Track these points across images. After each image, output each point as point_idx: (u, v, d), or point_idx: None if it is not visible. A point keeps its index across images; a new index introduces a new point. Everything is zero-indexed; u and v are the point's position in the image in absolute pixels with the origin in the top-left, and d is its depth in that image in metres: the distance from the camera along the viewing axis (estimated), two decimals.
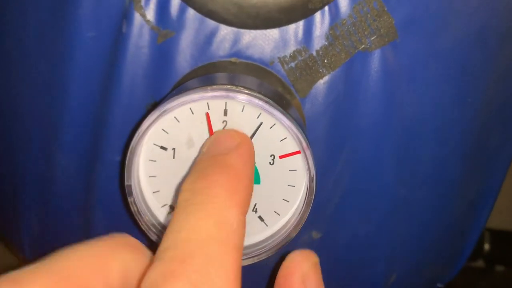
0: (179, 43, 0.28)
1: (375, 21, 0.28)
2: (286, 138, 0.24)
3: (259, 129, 0.24)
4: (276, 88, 0.27)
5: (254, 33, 0.28)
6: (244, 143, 0.22)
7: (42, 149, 0.33)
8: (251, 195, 0.20)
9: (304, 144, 0.24)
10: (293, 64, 0.29)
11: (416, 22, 0.28)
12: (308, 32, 0.28)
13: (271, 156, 0.24)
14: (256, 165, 0.24)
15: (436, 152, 0.32)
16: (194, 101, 0.23)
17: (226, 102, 0.23)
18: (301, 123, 0.26)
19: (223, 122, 0.24)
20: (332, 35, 0.28)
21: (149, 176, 0.25)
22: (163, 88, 0.29)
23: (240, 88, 0.23)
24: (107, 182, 0.32)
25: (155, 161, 0.25)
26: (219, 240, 0.17)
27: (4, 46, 0.32)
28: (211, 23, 0.28)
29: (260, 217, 0.25)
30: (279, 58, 0.29)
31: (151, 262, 0.18)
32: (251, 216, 0.25)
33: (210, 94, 0.23)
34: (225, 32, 0.28)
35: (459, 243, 0.39)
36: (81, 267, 0.18)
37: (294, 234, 0.25)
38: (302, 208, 0.25)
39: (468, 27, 0.29)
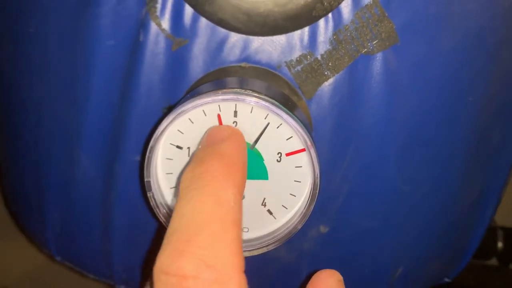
0: (192, 50, 0.29)
1: (376, 26, 0.28)
2: (292, 137, 0.25)
3: (267, 128, 0.25)
4: (283, 90, 0.27)
5: (262, 40, 0.29)
6: (235, 134, 0.23)
7: (65, 152, 0.33)
8: (245, 178, 0.21)
9: (309, 142, 0.24)
10: (299, 68, 0.29)
11: (415, 26, 0.28)
12: (313, 37, 0.29)
13: (278, 153, 0.25)
14: (265, 162, 0.25)
15: (438, 151, 0.32)
16: (206, 103, 0.24)
17: (236, 104, 0.24)
18: (307, 123, 0.26)
19: (233, 122, 0.24)
20: (336, 40, 0.28)
21: (166, 173, 0.26)
22: (178, 92, 0.30)
23: (249, 91, 0.24)
24: (126, 180, 0.32)
25: (171, 159, 0.26)
26: (219, 217, 0.19)
27: (28, 53, 0.33)
28: (222, 31, 0.29)
29: (269, 211, 0.26)
30: (286, 62, 0.29)
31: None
32: (260, 210, 0.26)
33: (221, 97, 0.24)
34: (235, 39, 0.29)
35: (465, 238, 0.38)
36: None
37: (300, 226, 0.26)
38: (307, 202, 0.25)
39: (467, 29, 0.29)
